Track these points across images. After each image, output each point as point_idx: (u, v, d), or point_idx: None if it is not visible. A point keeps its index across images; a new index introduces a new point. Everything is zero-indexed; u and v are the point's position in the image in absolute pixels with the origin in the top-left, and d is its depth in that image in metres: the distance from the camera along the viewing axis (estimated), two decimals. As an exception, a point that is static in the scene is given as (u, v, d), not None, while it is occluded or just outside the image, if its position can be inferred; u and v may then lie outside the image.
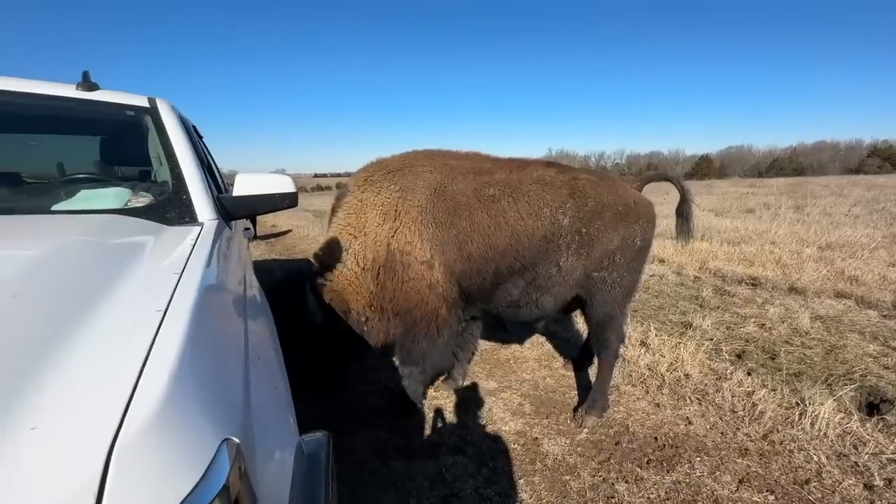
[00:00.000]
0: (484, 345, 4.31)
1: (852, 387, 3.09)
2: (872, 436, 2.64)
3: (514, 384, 3.57)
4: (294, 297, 2.70)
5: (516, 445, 2.77)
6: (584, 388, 3.41)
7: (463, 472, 2.51)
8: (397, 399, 3.00)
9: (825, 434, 2.68)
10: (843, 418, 2.77)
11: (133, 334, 0.69)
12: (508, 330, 4.47)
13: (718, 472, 2.45)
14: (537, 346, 4.29)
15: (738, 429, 2.81)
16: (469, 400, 3.30)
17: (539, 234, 2.57)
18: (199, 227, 1.53)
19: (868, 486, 2.30)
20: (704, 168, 69.18)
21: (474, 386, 3.51)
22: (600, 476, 2.46)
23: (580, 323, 4.52)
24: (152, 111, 2.07)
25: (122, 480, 0.46)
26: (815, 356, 3.78)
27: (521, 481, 2.44)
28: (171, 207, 1.68)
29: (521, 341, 4.40)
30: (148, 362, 0.61)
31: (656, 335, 4.05)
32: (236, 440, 0.60)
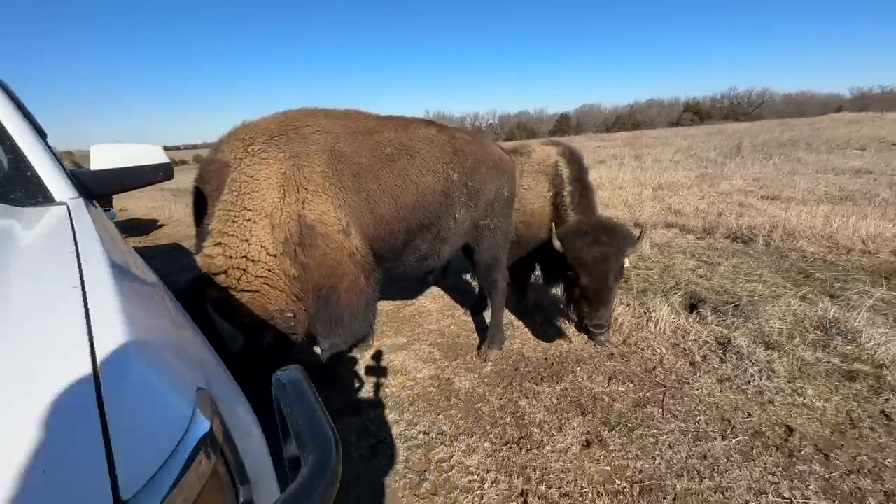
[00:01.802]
0: (388, 304, 4.45)
1: (679, 294, 3.97)
2: (693, 327, 3.47)
3: (422, 336, 3.80)
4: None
5: (431, 388, 3.01)
6: (483, 329, 3.79)
7: (386, 421, 2.67)
8: (318, 372, 2.98)
9: (664, 332, 3.44)
10: (674, 318, 3.58)
11: (67, 314, 0.64)
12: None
13: (594, 375, 3.01)
14: (438, 300, 4.57)
15: (605, 340, 3.46)
16: (383, 357, 3.44)
17: (438, 189, 2.72)
18: (64, 206, 1.32)
19: (692, 363, 3.06)
20: (564, 125, 76.55)
21: (385, 344, 3.66)
22: (506, 398, 2.85)
23: (472, 277, 4.90)
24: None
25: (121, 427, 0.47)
26: (654, 275, 4.71)
27: (440, 417, 2.70)
28: (14, 186, 1.40)
29: (422, 297, 4.63)
30: (95, 334, 0.59)
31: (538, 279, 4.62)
32: (209, 390, 0.62)
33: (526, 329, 3.76)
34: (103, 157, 1.77)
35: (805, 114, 51.41)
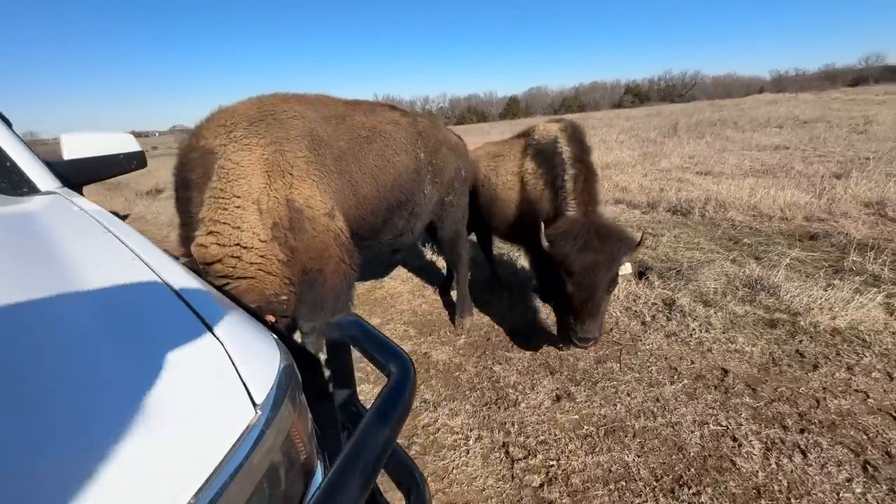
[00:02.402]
0: (359, 287, 4.53)
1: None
2: (643, 291, 3.84)
3: (396, 316, 3.94)
4: None
5: (410, 363, 3.17)
6: (453, 305, 3.97)
7: (368, 399, 2.81)
8: (297, 355, 3.04)
9: (617, 297, 3.79)
10: (626, 284, 3.94)
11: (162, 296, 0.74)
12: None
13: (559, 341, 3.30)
14: (407, 281, 4.70)
15: (566, 308, 3.76)
16: (358, 338, 3.55)
17: (411, 168, 2.86)
18: (56, 196, 1.33)
19: (643, 323, 3.41)
20: (514, 108, 77.78)
21: (360, 326, 3.76)
22: (481, 365, 3.06)
23: (438, 258, 5.06)
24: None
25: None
26: (607, 248, 5.09)
27: (422, 387, 2.87)
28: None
29: (391, 280, 4.75)
30: (198, 312, 0.71)
31: (504, 253, 4.86)
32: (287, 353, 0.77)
33: (495, 304, 3.99)
34: (75, 147, 1.73)
35: (732, 95, 55.43)
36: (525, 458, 2.24)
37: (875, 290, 3.37)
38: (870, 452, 2.09)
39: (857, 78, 65.69)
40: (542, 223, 2.67)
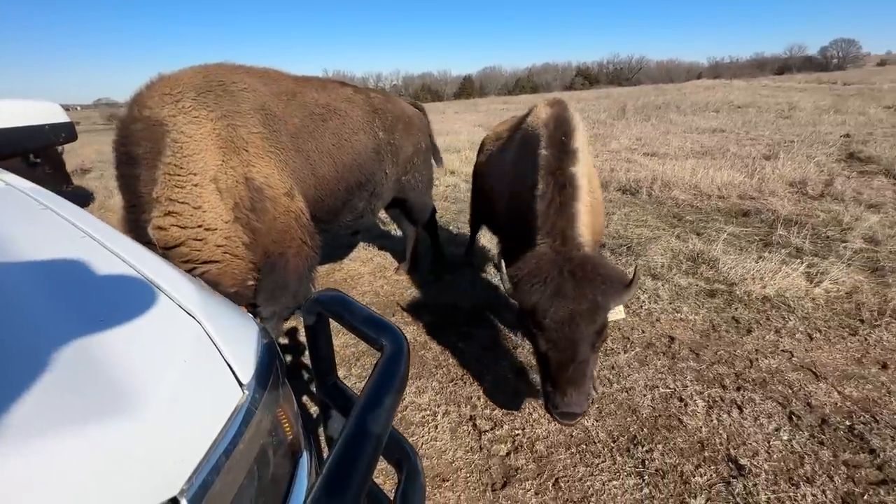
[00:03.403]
0: (319, 269, 4.40)
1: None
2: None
3: (357, 297, 3.86)
4: None
5: (375, 343, 3.15)
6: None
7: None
8: None
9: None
10: (582, 261, 4.11)
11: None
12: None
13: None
14: (368, 262, 4.63)
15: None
16: (320, 321, 3.47)
17: (370, 147, 2.78)
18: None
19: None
20: (468, 87, 77.26)
21: (321, 308, 3.69)
22: (446, 343, 3.10)
23: (398, 237, 5.02)
24: None
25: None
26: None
27: (388, 366, 2.87)
28: None
29: (351, 261, 4.66)
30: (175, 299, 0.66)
31: (462, 230, 4.90)
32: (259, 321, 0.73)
33: (458, 284, 4.03)
34: None
35: (674, 79, 58.17)
36: (492, 429, 2.32)
37: (798, 261, 3.74)
38: (794, 404, 2.35)
39: (783, 66, 71.05)
40: (503, 259, 2.05)
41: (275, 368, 0.65)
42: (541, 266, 1.88)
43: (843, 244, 4.11)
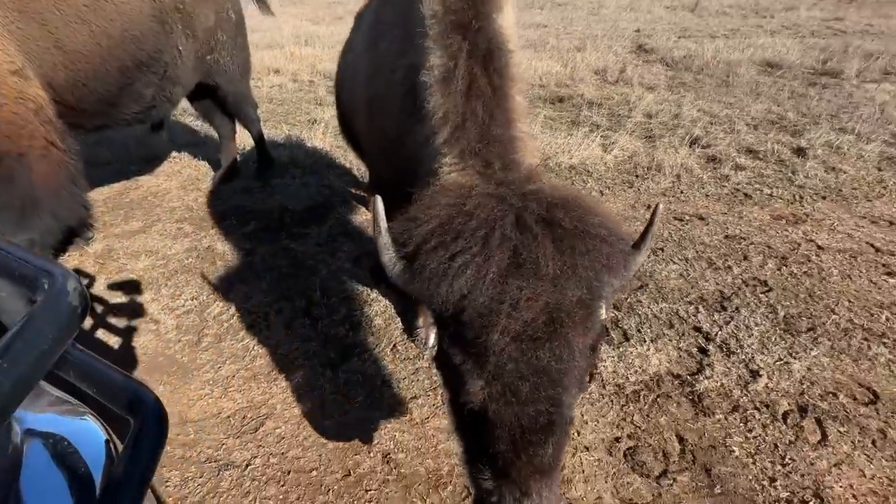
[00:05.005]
0: (103, 192, 3.54)
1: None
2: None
3: (164, 215, 3.26)
4: None
5: (190, 259, 2.74)
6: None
7: (139, 303, 2.36)
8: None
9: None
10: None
11: None
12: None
13: (359, 213, 3.28)
14: (175, 176, 3.88)
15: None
16: (114, 251, 2.84)
17: (147, 13, 2.13)
18: None
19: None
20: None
21: (114, 233, 3.01)
22: (276, 245, 2.85)
23: (213, 143, 4.27)
24: None
25: None
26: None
27: (208, 280, 2.54)
28: None
29: (152, 176, 3.84)
30: None
31: (289, 130, 4.41)
32: None
33: (288, 186, 3.66)
34: None
35: (506, -21, 58.47)
36: (329, 315, 2.28)
37: (595, 134, 4.30)
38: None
39: (596, -29, 76.94)
40: (379, 207, 0.98)
41: None
42: (469, 213, 0.93)
43: (629, 119, 4.84)
